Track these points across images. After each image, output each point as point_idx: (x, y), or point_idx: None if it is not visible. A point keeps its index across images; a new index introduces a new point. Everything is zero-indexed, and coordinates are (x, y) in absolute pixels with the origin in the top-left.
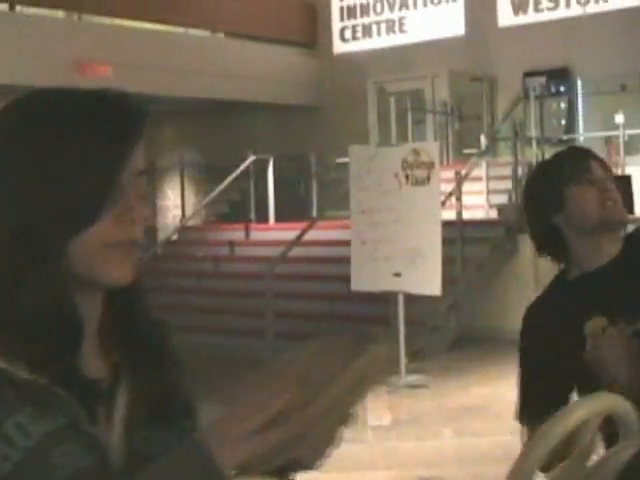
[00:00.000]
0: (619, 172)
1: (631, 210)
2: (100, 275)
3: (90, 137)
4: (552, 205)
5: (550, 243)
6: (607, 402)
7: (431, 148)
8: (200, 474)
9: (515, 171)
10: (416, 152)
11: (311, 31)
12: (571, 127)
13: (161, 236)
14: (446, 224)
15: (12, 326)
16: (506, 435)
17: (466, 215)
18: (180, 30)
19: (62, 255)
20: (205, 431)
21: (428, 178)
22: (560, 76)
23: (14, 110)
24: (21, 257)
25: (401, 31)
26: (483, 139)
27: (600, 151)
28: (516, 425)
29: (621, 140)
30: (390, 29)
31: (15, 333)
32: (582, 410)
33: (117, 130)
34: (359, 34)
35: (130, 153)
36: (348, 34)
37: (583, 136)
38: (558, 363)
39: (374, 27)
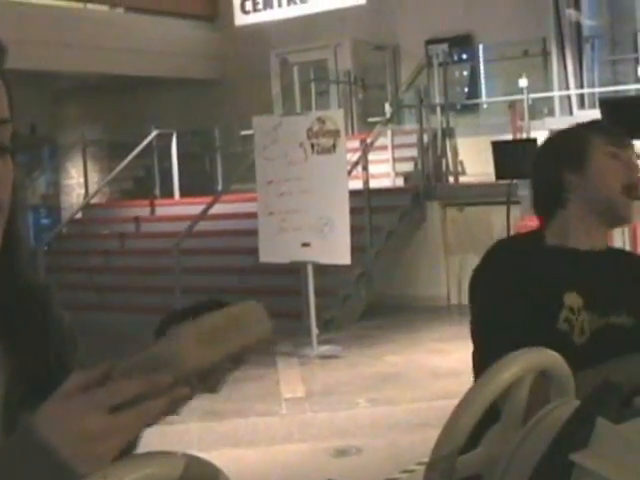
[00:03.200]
0: (524, 136)
1: None
2: None
3: None
4: (571, 160)
5: (548, 201)
6: (541, 358)
7: (336, 116)
8: (34, 464)
9: (420, 139)
10: (321, 120)
11: (212, 4)
12: (475, 93)
13: (65, 215)
14: (353, 193)
15: None
16: (421, 402)
17: (373, 184)
18: (79, 5)
19: None
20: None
21: (334, 146)
22: (462, 43)
23: None
24: None
25: (302, 1)
26: (387, 108)
27: (504, 116)
28: (431, 393)
29: (525, 104)
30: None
31: None
32: (516, 366)
33: None
34: (260, 5)
35: None
36: (249, 6)
37: (487, 101)
38: (526, 318)
39: None
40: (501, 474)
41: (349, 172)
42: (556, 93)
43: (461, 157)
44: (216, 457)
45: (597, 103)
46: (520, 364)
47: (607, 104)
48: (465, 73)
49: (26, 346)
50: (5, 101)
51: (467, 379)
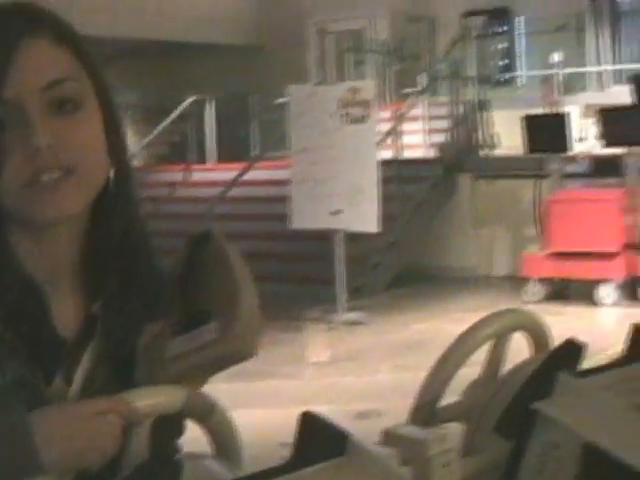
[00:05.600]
0: (556, 110)
1: (565, 147)
2: (31, 216)
3: None
4: None
5: None
6: (521, 316)
7: (368, 86)
8: (13, 449)
9: (454, 110)
10: (353, 90)
11: None
12: (510, 66)
13: None
14: (386, 163)
15: None
16: None
17: (407, 154)
18: None
19: None
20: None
21: (366, 116)
22: (499, 15)
23: None
24: None
25: None
26: (422, 79)
27: (539, 90)
28: None
29: (558, 80)
30: None
31: None
32: (497, 323)
33: None
34: None
35: (4, 69)
36: None
37: (522, 75)
38: None
39: None
40: (477, 421)
41: (382, 142)
42: (589, 69)
43: (495, 130)
44: (243, 415)
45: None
46: (500, 322)
47: (637, 80)
48: (501, 46)
49: (121, 326)
50: (63, 62)
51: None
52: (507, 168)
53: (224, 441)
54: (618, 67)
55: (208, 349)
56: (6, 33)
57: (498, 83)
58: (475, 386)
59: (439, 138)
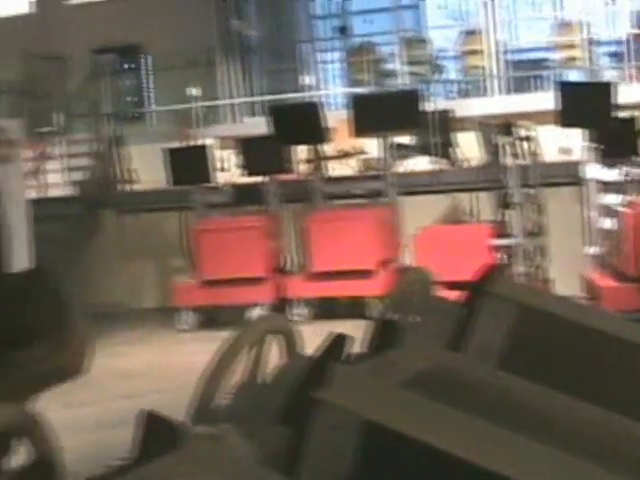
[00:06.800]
0: (195, 143)
1: (207, 178)
2: None
3: None
4: None
5: None
6: (277, 323)
7: (12, 125)
8: None
9: (93, 147)
10: None
11: None
12: (144, 102)
13: None
14: (32, 202)
15: None
16: (109, 402)
17: (50, 193)
18: None
19: None
20: None
21: (11, 155)
22: (130, 53)
23: None
24: None
25: None
26: (58, 118)
27: (172, 124)
28: (118, 393)
29: (193, 113)
30: None
31: None
32: (257, 330)
33: None
34: None
35: None
36: None
37: (155, 110)
38: None
39: None
40: (256, 416)
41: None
42: (223, 102)
43: (134, 165)
44: None
45: (265, 110)
46: (259, 328)
47: (275, 111)
48: (133, 82)
49: None
50: None
51: (151, 378)
52: (151, 202)
53: (46, 451)
54: (250, 99)
55: (40, 363)
56: None
57: (132, 119)
58: (243, 388)
59: (80, 176)
